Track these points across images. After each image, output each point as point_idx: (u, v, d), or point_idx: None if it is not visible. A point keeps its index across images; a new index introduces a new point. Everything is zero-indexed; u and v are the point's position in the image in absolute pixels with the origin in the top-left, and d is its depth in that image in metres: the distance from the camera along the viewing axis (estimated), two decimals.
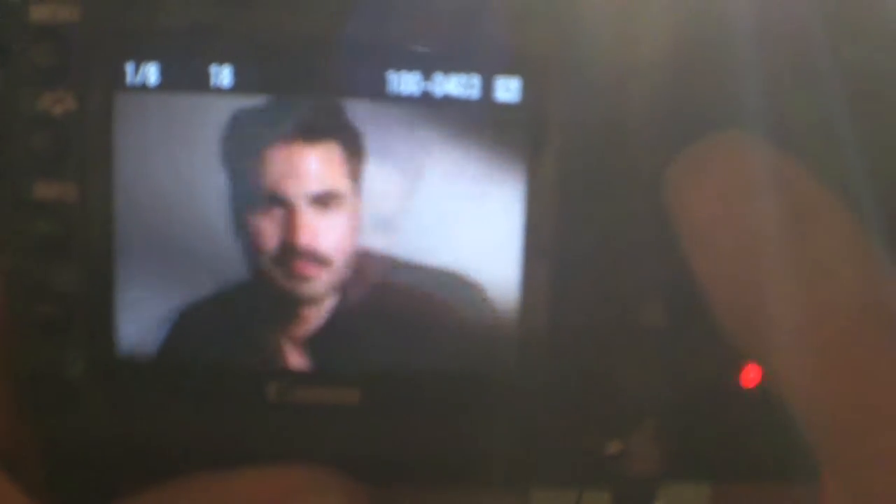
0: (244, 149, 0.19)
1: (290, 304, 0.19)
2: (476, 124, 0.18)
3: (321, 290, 0.19)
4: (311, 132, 0.19)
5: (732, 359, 0.20)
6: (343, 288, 0.19)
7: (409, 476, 0.20)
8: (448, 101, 0.18)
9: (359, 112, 0.18)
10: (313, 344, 0.19)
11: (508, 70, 0.18)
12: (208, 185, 0.19)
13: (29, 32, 0.19)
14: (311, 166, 0.19)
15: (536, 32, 0.18)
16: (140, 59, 0.18)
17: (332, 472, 0.19)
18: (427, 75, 0.18)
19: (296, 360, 0.20)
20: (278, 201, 0.19)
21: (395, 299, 0.19)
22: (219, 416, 0.20)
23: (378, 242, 0.19)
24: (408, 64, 0.18)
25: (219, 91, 0.18)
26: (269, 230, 0.19)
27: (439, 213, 0.19)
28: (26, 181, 0.19)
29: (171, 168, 0.19)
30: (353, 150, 0.19)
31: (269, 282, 0.19)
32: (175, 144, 0.19)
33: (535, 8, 0.18)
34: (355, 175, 0.19)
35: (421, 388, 0.20)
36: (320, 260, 0.19)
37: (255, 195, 0.19)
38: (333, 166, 0.19)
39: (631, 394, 0.20)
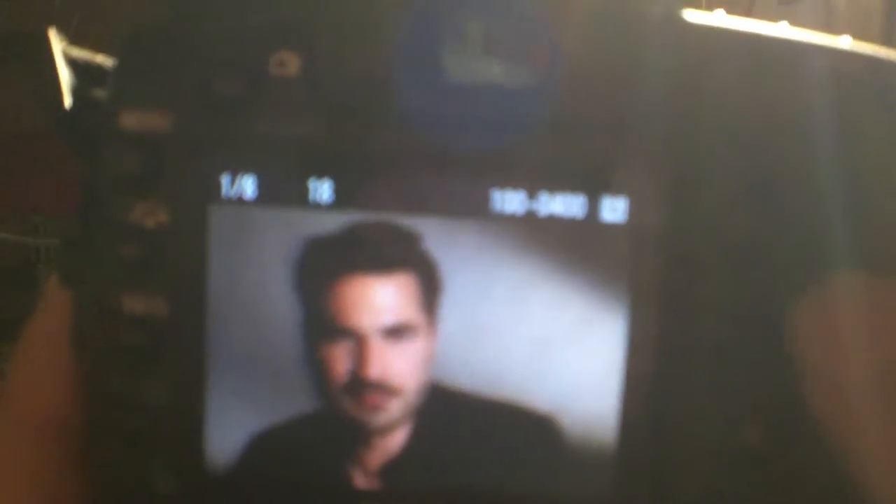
0: (320, 276, 0.18)
1: (361, 434, 0.19)
2: (580, 246, 0.18)
3: (392, 420, 0.19)
4: (386, 262, 0.18)
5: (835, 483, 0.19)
6: (416, 418, 0.19)
7: None
8: (553, 221, 0.18)
9: (452, 235, 0.18)
10: (386, 473, 0.19)
11: (615, 190, 0.18)
12: (290, 308, 0.18)
13: (120, 139, 0.18)
14: (385, 298, 0.18)
15: (644, 151, 0.18)
16: (236, 171, 0.18)
17: None
18: (532, 194, 0.18)
19: (369, 487, 0.19)
20: (350, 333, 0.18)
21: (473, 433, 0.19)
22: None
23: (458, 375, 0.18)
24: (512, 182, 0.18)
25: (317, 206, 0.18)
26: (340, 361, 0.19)
27: (534, 347, 0.18)
28: (115, 293, 0.18)
29: (261, 287, 0.18)
30: (429, 281, 0.18)
31: (340, 411, 0.19)
32: (268, 262, 0.18)
33: (646, 128, 0.18)
34: (431, 306, 0.18)
35: None
36: (390, 391, 0.19)
37: (328, 325, 0.18)
38: (407, 298, 0.18)
39: None
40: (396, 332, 0.19)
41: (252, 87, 0.18)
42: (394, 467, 0.19)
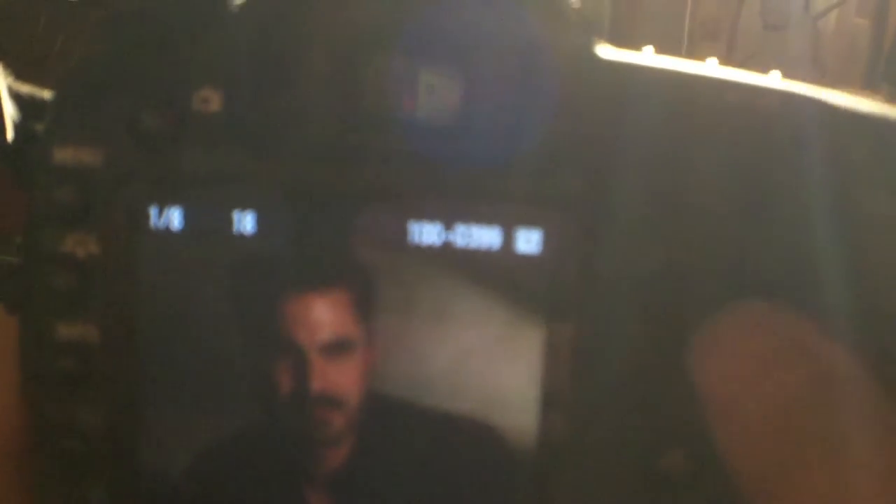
0: (254, 300, 0.19)
1: (307, 447, 0.19)
2: (496, 275, 0.18)
3: (337, 433, 0.19)
4: (321, 281, 0.19)
5: None
6: (359, 429, 0.19)
7: None
8: (469, 252, 0.18)
9: (374, 260, 0.18)
10: (334, 485, 0.19)
11: (530, 222, 0.18)
12: (226, 330, 0.19)
13: (53, 173, 0.19)
14: (322, 315, 0.19)
15: (559, 185, 0.18)
16: (163, 203, 0.18)
17: None
18: (448, 226, 0.18)
19: (317, 501, 0.20)
20: (290, 350, 0.19)
21: (412, 442, 0.19)
22: None
23: (393, 386, 0.19)
24: (429, 215, 0.18)
25: (241, 237, 0.18)
26: (282, 378, 0.19)
27: (457, 361, 0.19)
28: (50, 321, 0.19)
29: (193, 313, 0.19)
30: (363, 298, 0.19)
31: (286, 428, 0.19)
32: (196, 288, 0.19)
33: (559, 162, 0.18)
34: (366, 321, 0.19)
35: None
36: (334, 404, 0.19)
37: (268, 343, 0.19)
38: (343, 314, 0.19)
39: None
40: (335, 348, 0.19)
41: (177, 124, 0.18)
42: (342, 479, 0.19)
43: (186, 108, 0.18)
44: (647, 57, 0.20)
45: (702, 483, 0.19)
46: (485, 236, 0.18)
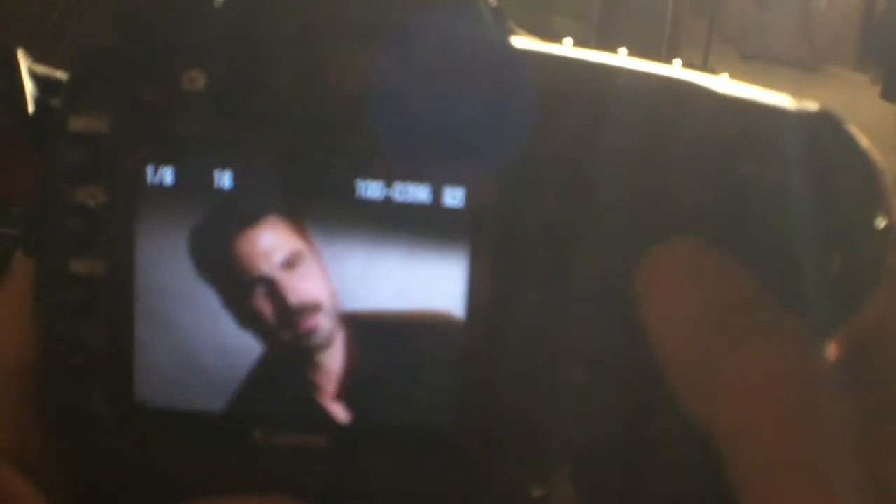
0: (223, 243, 0.23)
1: (307, 358, 0.23)
2: (428, 223, 0.23)
3: (327, 333, 0.23)
4: (257, 216, 0.23)
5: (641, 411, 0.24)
6: (344, 325, 0.23)
7: None
8: (405, 205, 0.23)
9: (327, 207, 0.23)
10: (341, 387, 0.23)
11: (455, 181, 0.23)
12: (207, 268, 0.23)
13: (68, 138, 0.23)
14: (269, 241, 0.23)
15: (478, 151, 0.23)
16: (157, 163, 0.23)
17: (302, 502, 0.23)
18: (388, 183, 0.23)
19: (333, 407, 0.24)
20: (259, 280, 0.23)
21: (383, 331, 0.23)
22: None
23: (348, 288, 0.23)
24: (373, 174, 0.23)
25: (220, 191, 0.23)
26: (263, 305, 0.23)
27: (390, 284, 0.23)
28: (63, 258, 0.23)
29: (180, 256, 0.23)
30: (295, 219, 0.23)
31: (282, 346, 0.23)
32: (183, 233, 0.23)
33: (479, 133, 0.23)
34: (303, 235, 0.23)
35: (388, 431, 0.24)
36: (314, 308, 0.23)
37: (241, 280, 0.23)
38: (285, 234, 0.23)
39: (551, 444, 0.24)
40: (292, 262, 0.23)
41: (169, 98, 0.23)
42: (346, 379, 0.23)
43: (176, 86, 0.23)
44: (557, 47, 0.24)
45: (598, 394, 0.24)
46: (418, 192, 0.23)
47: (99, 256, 0.23)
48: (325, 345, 0.23)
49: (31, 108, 0.25)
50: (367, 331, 0.23)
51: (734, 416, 0.21)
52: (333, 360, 0.23)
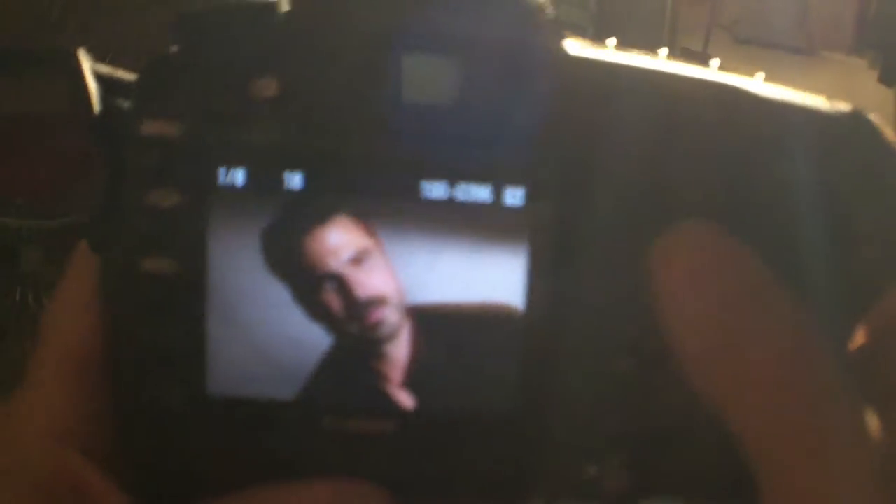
0: (292, 243, 0.24)
1: (374, 350, 0.24)
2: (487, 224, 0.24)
3: (393, 326, 0.24)
4: (326, 215, 0.24)
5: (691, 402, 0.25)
6: (409, 318, 0.24)
7: (424, 492, 0.25)
8: (467, 204, 0.24)
9: (393, 207, 0.24)
10: (407, 377, 0.25)
11: (515, 181, 0.24)
12: (278, 266, 0.24)
13: (141, 141, 0.24)
14: (337, 239, 0.24)
15: (539, 154, 0.24)
16: (229, 165, 0.24)
17: (370, 486, 0.24)
18: (452, 184, 0.24)
19: (399, 396, 0.25)
20: (329, 276, 0.24)
21: (446, 322, 0.24)
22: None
23: (413, 283, 0.24)
24: (437, 175, 0.24)
25: (290, 192, 0.24)
26: (334, 301, 0.24)
27: (454, 279, 0.24)
28: (135, 257, 0.24)
29: (251, 254, 0.24)
30: (363, 218, 0.24)
31: (351, 339, 0.24)
32: (254, 235, 0.24)
33: (538, 134, 0.24)
34: (371, 234, 0.24)
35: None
36: (381, 302, 0.24)
37: (311, 277, 0.24)
38: (353, 232, 0.24)
39: (606, 428, 0.25)
40: (359, 259, 0.24)
41: (241, 104, 0.24)
42: (411, 369, 0.25)
43: (248, 92, 0.24)
44: (607, 52, 0.25)
45: (651, 383, 0.25)
46: (479, 192, 0.24)
47: (171, 256, 0.24)
48: (392, 336, 0.24)
49: (96, 108, 0.26)
50: (432, 322, 0.24)
51: (744, 403, 0.23)
52: (399, 350, 0.24)
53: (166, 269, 0.24)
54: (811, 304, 0.23)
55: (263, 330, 0.24)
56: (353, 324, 0.24)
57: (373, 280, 0.24)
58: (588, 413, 0.25)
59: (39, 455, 0.24)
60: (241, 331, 0.24)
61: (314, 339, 0.24)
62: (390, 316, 0.24)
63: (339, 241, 0.24)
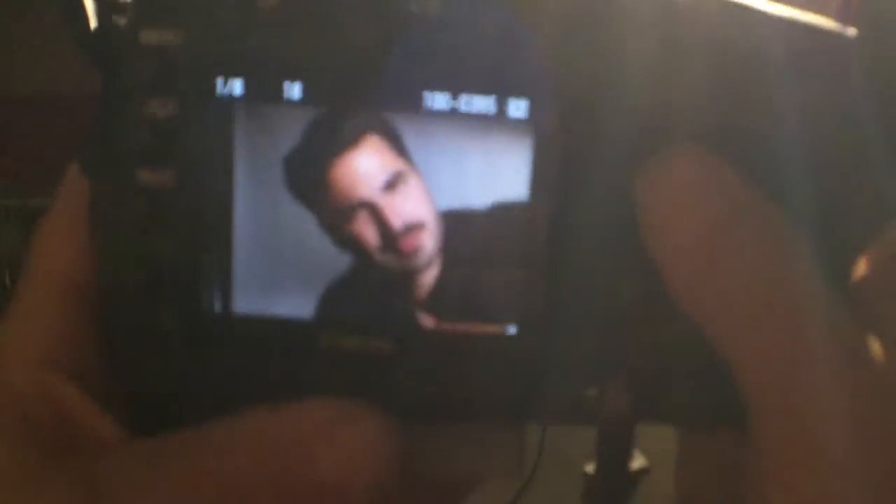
0: (317, 168, 0.24)
1: (409, 278, 0.24)
2: (493, 134, 0.24)
3: (429, 254, 0.24)
4: (355, 137, 0.24)
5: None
6: (442, 243, 0.24)
7: (424, 413, 0.25)
8: (471, 116, 0.23)
9: (396, 119, 0.23)
10: (432, 299, 0.24)
11: (519, 93, 0.23)
12: (299, 197, 0.24)
13: (140, 51, 0.23)
14: (371, 163, 0.24)
15: (542, 67, 0.23)
16: (227, 75, 0.23)
17: (365, 405, 0.24)
18: (454, 95, 0.23)
19: (423, 318, 0.24)
20: (361, 205, 0.24)
21: (471, 238, 0.24)
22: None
23: (444, 199, 0.24)
24: (440, 85, 0.23)
25: (290, 103, 0.23)
26: (366, 230, 0.24)
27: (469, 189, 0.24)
28: (130, 170, 0.24)
29: (257, 171, 0.24)
30: (393, 137, 0.23)
31: (385, 268, 0.24)
32: (259, 149, 0.24)
33: (543, 48, 0.23)
34: (403, 154, 0.23)
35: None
36: (417, 228, 0.24)
37: (339, 206, 0.24)
38: (385, 155, 0.24)
39: (606, 350, 0.25)
40: (393, 184, 0.24)
41: (242, 13, 0.23)
42: (438, 292, 0.24)
43: (250, 2, 0.23)
44: None
45: (653, 311, 0.25)
46: (483, 104, 0.23)
47: (168, 167, 0.24)
48: (427, 264, 0.24)
49: (92, 23, 0.25)
50: (453, 234, 0.24)
51: (729, 327, 0.22)
52: (429, 275, 0.24)
53: (162, 183, 0.24)
54: (802, 228, 0.23)
55: (272, 248, 0.24)
56: (388, 254, 0.24)
57: (409, 206, 0.24)
58: (588, 335, 0.25)
59: (22, 381, 0.24)
60: (245, 247, 0.24)
61: (335, 261, 0.24)
62: (427, 243, 0.24)
63: (371, 165, 0.23)
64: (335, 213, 0.24)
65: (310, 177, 0.24)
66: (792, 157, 0.24)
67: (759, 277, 0.22)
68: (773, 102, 0.24)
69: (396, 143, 0.23)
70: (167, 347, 0.24)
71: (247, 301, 0.24)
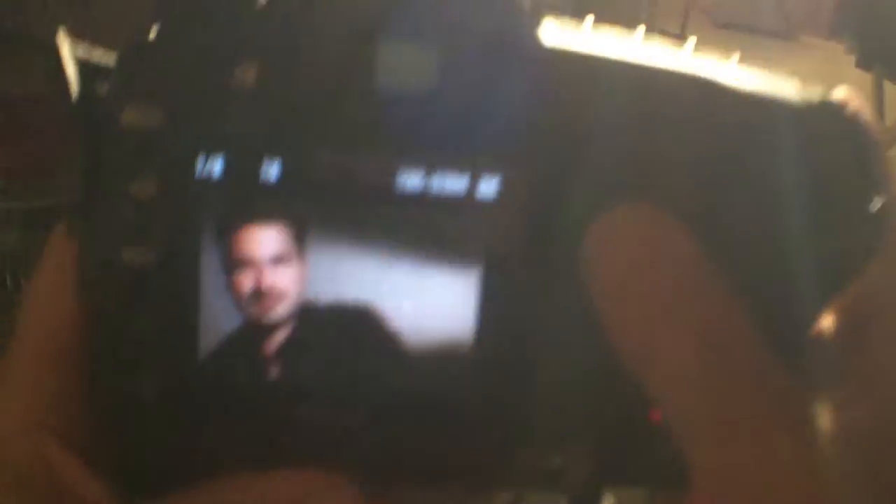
0: (232, 232, 0.25)
1: (264, 328, 0.26)
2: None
3: (280, 316, 0.26)
4: (265, 218, 0.25)
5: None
6: (297, 314, 0.26)
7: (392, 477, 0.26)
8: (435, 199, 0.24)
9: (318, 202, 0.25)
10: (280, 354, 0.26)
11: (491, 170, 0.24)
12: (218, 252, 0.25)
13: (121, 130, 0.24)
14: (269, 238, 0.25)
15: (509, 149, 0.24)
16: (207, 154, 0.24)
17: (341, 476, 0.25)
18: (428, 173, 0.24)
19: (273, 368, 0.26)
20: (250, 263, 0.25)
21: (334, 326, 0.26)
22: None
23: (322, 289, 0.25)
24: (412, 168, 0.24)
25: (267, 183, 0.24)
26: (244, 283, 0.26)
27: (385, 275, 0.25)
28: (114, 246, 0.24)
29: (211, 240, 0.25)
30: (301, 231, 0.25)
31: (249, 314, 0.26)
32: (226, 222, 0.25)
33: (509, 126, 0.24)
34: (301, 243, 0.25)
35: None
36: (278, 297, 0.26)
37: (238, 262, 0.25)
38: (283, 238, 0.25)
39: (569, 418, 0.25)
40: (278, 259, 0.25)
41: (218, 94, 0.24)
42: (285, 350, 0.26)
43: (228, 80, 0.24)
44: (584, 38, 0.25)
45: (604, 378, 0.25)
46: (454, 182, 0.24)
47: (150, 246, 0.24)
48: (280, 324, 0.26)
49: (74, 95, 0.26)
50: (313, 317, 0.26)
51: (670, 392, 0.23)
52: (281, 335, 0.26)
53: (145, 260, 0.24)
54: (741, 290, 0.23)
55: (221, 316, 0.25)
56: (251, 306, 0.26)
57: (281, 279, 0.26)
58: (552, 403, 0.25)
59: (15, 444, 0.24)
60: (212, 320, 0.25)
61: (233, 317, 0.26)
62: (281, 308, 0.26)
63: (270, 240, 0.26)
64: (233, 262, 0.25)
65: (229, 231, 0.25)
66: (766, 221, 0.25)
67: (696, 343, 0.23)
68: (742, 173, 0.25)
69: (300, 235, 0.25)
70: (146, 414, 0.25)
71: (215, 369, 0.25)
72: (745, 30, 4.07)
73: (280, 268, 0.26)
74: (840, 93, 0.27)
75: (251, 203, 0.25)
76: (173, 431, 0.25)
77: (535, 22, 0.25)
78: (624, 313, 0.23)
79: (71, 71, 0.26)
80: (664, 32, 3.17)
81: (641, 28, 0.27)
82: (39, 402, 0.25)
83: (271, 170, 0.24)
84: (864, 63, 2.73)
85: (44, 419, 0.25)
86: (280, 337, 0.26)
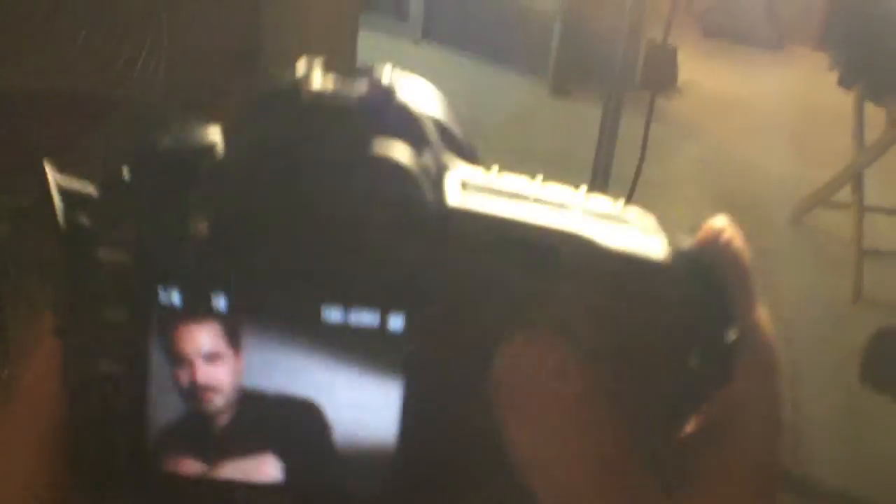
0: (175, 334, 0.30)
1: (203, 417, 0.30)
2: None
3: (218, 407, 0.30)
4: (200, 320, 0.30)
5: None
6: (233, 407, 0.30)
7: None
8: (355, 329, 0.30)
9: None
10: (221, 438, 0.31)
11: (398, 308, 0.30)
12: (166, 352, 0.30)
13: (97, 265, 0.29)
14: (204, 338, 0.30)
15: (412, 290, 0.29)
16: (167, 286, 0.29)
17: None
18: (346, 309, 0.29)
19: (215, 451, 0.31)
20: (186, 360, 0.30)
21: (268, 416, 0.30)
22: None
23: (256, 382, 0.30)
24: (337, 299, 0.29)
25: (219, 311, 0.29)
26: (183, 377, 0.30)
27: (315, 387, 0.30)
28: (92, 357, 0.30)
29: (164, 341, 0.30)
30: (233, 330, 0.30)
31: (189, 405, 0.30)
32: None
33: (414, 277, 0.29)
34: (236, 343, 0.30)
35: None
36: (213, 390, 0.30)
37: (179, 359, 0.30)
38: (218, 338, 0.30)
39: None
40: (212, 357, 0.30)
41: (178, 239, 0.29)
42: (225, 434, 0.31)
43: (185, 231, 0.29)
44: (484, 200, 0.30)
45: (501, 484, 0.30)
46: (366, 317, 0.29)
47: (118, 362, 0.30)
48: (217, 413, 0.30)
49: (60, 224, 0.31)
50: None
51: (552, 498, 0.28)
52: (220, 421, 0.31)
53: (114, 372, 0.30)
54: (622, 415, 0.29)
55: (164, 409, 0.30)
56: (189, 399, 0.30)
57: (214, 374, 0.30)
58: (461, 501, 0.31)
59: None
60: (168, 416, 0.30)
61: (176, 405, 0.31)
62: (217, 400, 0.30)
63: (207, 339, 0.30)
64: (175, 354, 0.30)
65: (171, 328, 0.30)
66: (625, 354, 0.30)
67: (586, 466, 0.28)
68: (614, 319, 0.30)
69: (234, 336, 0.30)
70: (122, 495, 0.31)
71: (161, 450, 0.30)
72: (733, 39, 4.10)
73: (216, 364, 0.30)
74: (713, 226, 0.33)
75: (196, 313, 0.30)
76: None
77: (437, 184, 0.30)
78: (520, 429, 0.28)
79: (57, 202, 0.31)
80: (652, 42, 3.20)
81: (539, 177, 0.33)
82: (30, 476, 0.30)
83: (220, 301, 0.29)
84: (846, 82, 2.77)
85: (35, 491, 0.30)
86: (221, 423, 0.31)
